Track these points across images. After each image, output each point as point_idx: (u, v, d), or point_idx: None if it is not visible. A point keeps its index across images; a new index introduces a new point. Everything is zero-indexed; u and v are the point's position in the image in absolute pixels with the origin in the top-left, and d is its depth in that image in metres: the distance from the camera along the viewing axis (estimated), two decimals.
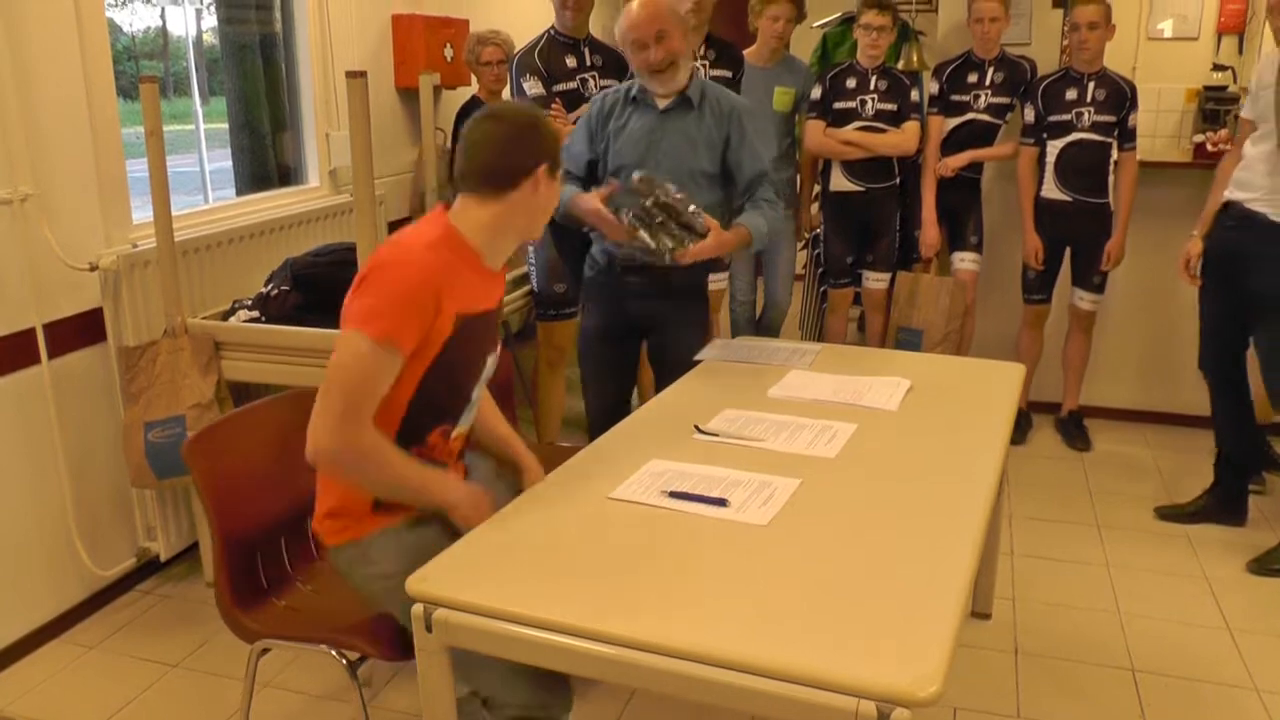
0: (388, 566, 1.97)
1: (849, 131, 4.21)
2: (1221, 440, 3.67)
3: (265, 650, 2.19)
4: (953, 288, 4.35)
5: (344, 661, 2.08)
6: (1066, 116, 4.09)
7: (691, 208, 2.63)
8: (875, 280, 4.48)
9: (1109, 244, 4.15)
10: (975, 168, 4.35)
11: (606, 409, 3.00)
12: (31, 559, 2.95)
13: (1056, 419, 4.57)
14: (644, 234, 2.61)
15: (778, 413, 2.43)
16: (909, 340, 4.42)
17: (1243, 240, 3.32)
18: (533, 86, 3.51)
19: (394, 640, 2.05)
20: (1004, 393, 2.63)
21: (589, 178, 2.97)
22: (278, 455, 2.28)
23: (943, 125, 4.31)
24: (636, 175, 2.62)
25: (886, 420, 2.41)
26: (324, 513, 2.05)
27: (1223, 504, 3.69)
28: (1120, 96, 4.06)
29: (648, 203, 2.59)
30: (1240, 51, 4.81)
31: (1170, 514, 3.74)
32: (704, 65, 3.81)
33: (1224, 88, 4.70)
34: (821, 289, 4.89)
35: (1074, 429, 4.45)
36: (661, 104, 2.88)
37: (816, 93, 4.25)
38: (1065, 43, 4.34)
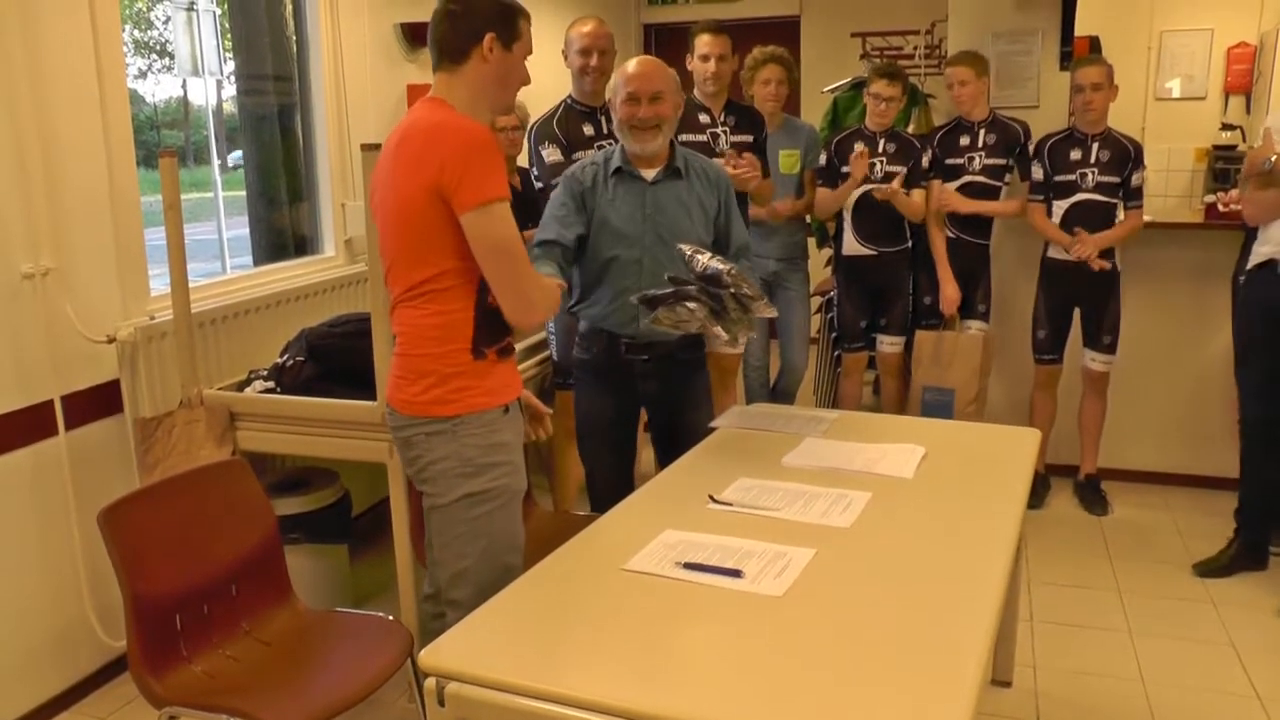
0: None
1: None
2: (1249, 492, 3.68)
3: (173, 718, 2.18)
4: (983, 344, 4.32)
5: None
6: (1071, 177, 4.10)
7: (761, 301, 2.53)
8: (889, 344, 4.48)
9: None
10: (984, 232, 4.34)
11: (614, 485, 2.96)
12: (44, 629, 2.94)
13: (1075, 482, 4.52)
14: (718, 326, 2.51)
15: (792, 481, 2.42)
16: (940, 400, 4.34)
17: None
18: (551, 154, 3.56)
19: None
20: (1019, 458, 2.61)
21: (577, 250, 2.84)
22: (202, 523, 2.36)
23: (942, 189, 4.31)
24: (731, 268, 2.46)
25: (901, 488, 2.40)
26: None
27: (1248, 550, 3.71)
28: (1124, 156, 4.06)
29: (729, 292, 2.46)
30: (1248, 111, 4.84)
31: (1210, 569, 3.73)
32: (724, 131, 3.85)
33: (1233, 147, 4.72)
34: (835, 353, 4.89)
35: (1092, 493, 4.40)
36: (649, 175, 2.86)
37: (823, 160, 4.29)
38: (1072, 104, 4.38)
